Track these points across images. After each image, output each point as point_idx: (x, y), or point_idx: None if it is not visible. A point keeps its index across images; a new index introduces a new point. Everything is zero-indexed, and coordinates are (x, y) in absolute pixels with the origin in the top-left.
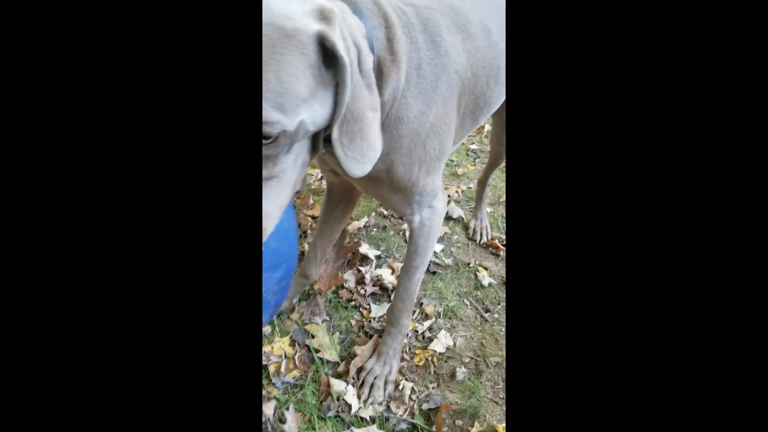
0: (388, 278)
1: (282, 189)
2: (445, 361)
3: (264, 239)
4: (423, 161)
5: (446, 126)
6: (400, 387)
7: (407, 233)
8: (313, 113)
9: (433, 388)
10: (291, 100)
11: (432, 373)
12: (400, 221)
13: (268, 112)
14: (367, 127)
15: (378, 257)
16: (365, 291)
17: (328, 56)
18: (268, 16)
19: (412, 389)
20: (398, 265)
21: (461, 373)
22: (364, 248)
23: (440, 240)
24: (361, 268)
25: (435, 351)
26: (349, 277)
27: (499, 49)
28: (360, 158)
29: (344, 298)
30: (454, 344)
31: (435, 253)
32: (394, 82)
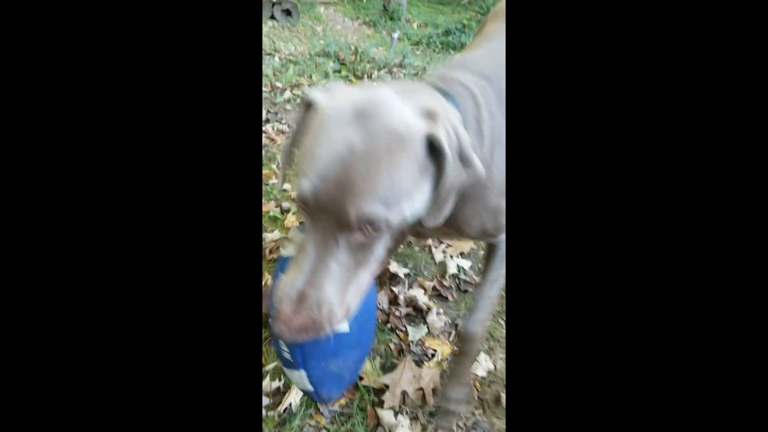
0: (422, 299)
1: (365, 278)
2: (488, 386)
3: (346, 322)
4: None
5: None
6: None
7: (433, 250)
8: (414, 205)
9: (479, 415)
10: (397, 196)
11: (476, 398)
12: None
13: (377, 207)
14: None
15: (407, 275)
16: (400, 312)
17: (434, 149)
18: (385, 120)
19: (458, 416)
20: (429, 284)
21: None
22: (393, 267)
23: (468, 256)
24: (393, 288)
25: (477, 375)
26: (383, 298)
27: None
28: (439, 217)
29: (380, 320)
30: (495, 367)
31: (464, 269)
32: (479, 153)
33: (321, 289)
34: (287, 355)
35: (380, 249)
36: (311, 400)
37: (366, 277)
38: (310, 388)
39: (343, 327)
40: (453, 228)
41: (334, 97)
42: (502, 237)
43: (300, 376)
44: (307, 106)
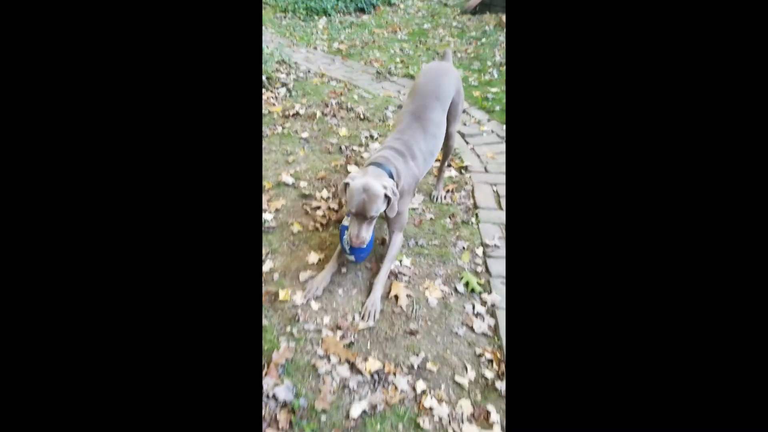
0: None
1: (371, 231)
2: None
3: (366, 244)
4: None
5: (409, 195)
6: None
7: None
8: (380, 210)
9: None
10: (379, 209)
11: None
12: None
13: (374, 211)
14: (395, 205)
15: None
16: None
17: (387, 196)
18: (373, 188)
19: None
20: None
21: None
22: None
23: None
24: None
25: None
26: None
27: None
28: (392, 213)
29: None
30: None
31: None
32: (400, 185)
33: (364, 235)
34: (347, 249)
35: (373, 223)
36: None
37: (371, 230)
38: (353, 259)
39: (365, 244)
40: (389, 219)
41: (354, 180)
42: (394, 236)
43: (350, 256)
44: (346, 185)
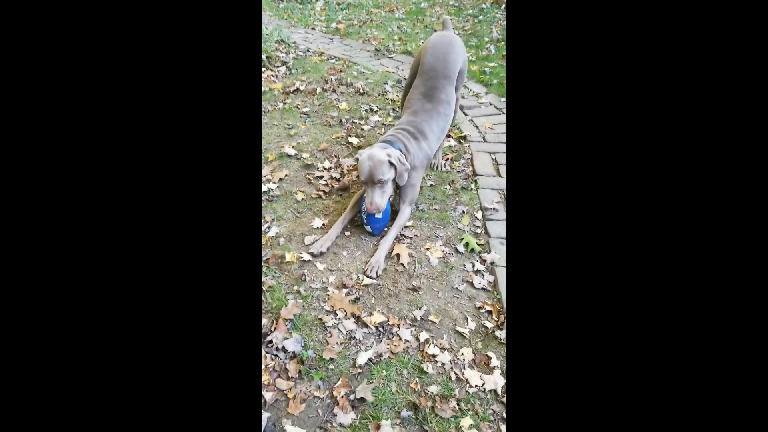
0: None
1: (387, 197)
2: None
3: (383, 208)
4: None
5: (422, 170)
6: None
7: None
8: (389, 175)
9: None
10: (385, 173)
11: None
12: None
13: (382, 176)
14: (404, 174)
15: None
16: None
17: (392, 163)
18: (375, 155)
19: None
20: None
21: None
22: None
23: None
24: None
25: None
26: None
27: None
28: (402, 181)
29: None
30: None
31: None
32: (410, 159)
33: (377, 201)
34: (365, 220)
35: (388, 188)
36: None
37: (387, 197)
38: (370, 230)
39: (380, 213)
40: (401, 191)
41: (364, 155)
42: (404, 207)
43: (368, 227)
44: (357, 159)
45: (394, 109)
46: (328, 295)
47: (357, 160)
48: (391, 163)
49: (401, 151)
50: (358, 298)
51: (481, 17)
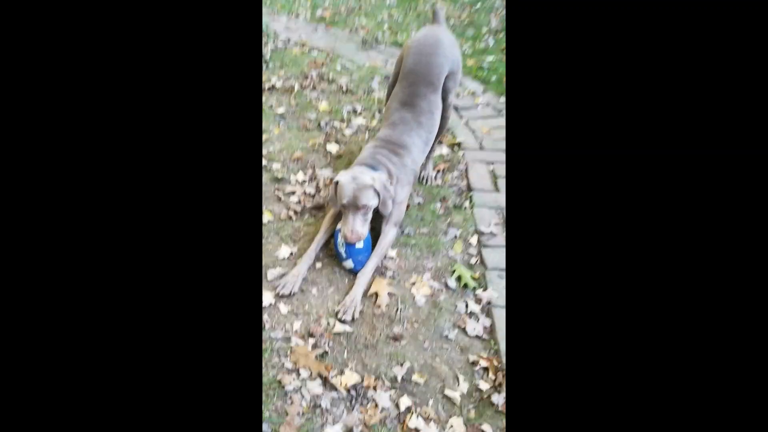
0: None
1: (367, 226)
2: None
3: (364, 237)
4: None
5: (408, 186)
6: None
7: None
8: (373, 203)
9: None
10: (370, 199)
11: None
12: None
13: (368, 202)
14: (388, 203)
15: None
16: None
17: (377, 190)
18: (361, 180)
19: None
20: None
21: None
22: None
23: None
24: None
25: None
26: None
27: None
28: (386, 210)
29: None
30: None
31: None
32: (394, 186)
33: (359, 229)
34: (343, 255)
35: (368, 216)
36: None
37: (367, 226)
38: (351, 266)
39: (361, 243)
40: (383, 217)
41: (345, 176)
42: (387, 228)
43: (347, 262)
44: (336, 183)
45: (380, 110)
46: (291, 347)
47: (336, 183)
48: (375, 189)
49: (387, 176)
50: (326, 352)
51: (478, 5)
